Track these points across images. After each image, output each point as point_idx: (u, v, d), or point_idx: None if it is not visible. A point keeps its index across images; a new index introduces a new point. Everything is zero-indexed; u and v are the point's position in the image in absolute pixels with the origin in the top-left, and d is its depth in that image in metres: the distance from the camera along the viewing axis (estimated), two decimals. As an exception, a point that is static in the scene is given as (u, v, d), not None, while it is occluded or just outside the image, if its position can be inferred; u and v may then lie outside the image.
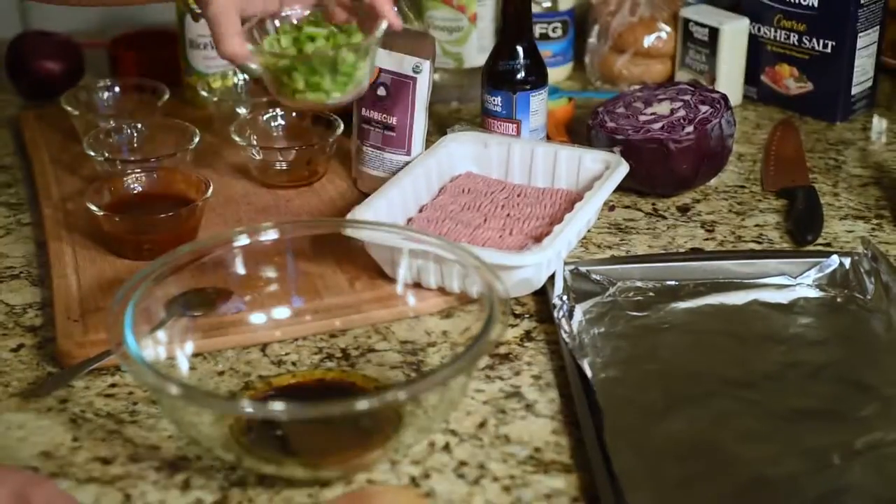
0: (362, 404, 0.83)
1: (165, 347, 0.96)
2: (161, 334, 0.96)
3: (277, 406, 0.85)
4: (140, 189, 1.21)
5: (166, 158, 1.26)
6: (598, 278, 1.11)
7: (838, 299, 1.10)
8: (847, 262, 1.12)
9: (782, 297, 1.10)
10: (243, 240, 1.03)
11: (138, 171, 1.22)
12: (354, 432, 0.90)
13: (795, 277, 1.12)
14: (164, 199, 1.19)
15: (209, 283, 1.02)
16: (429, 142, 1.29)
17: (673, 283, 1.12)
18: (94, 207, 1.15)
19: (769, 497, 0.87)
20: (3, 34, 1.65)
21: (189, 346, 0.99)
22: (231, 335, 1.04)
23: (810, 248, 1.21)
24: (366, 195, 1.17)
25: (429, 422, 0.91)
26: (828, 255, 1.13)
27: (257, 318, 1.05)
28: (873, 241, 1.12)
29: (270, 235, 1.04)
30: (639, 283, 1.12)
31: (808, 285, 1.12)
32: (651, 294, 1.11)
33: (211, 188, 1.19)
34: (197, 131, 1.30)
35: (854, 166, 1.39)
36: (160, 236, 1.14)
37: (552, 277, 1.10)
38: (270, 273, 1.05)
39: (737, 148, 1.41)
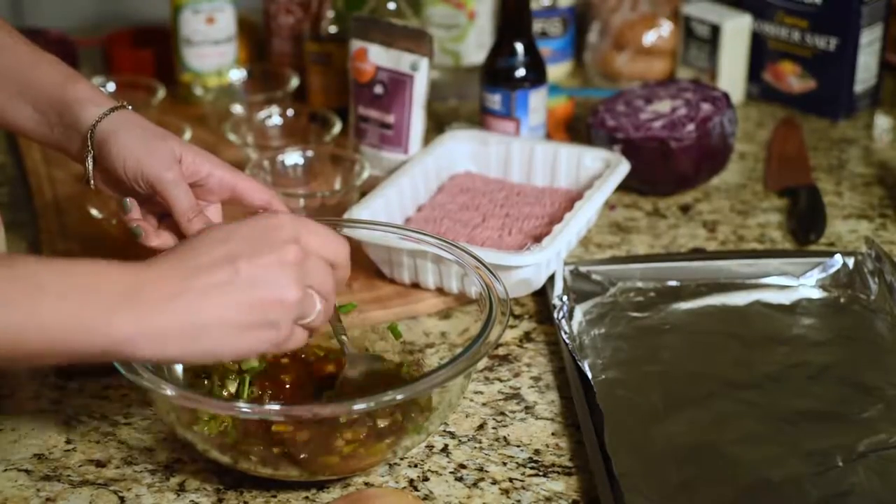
0: (360, 406, 0.83)
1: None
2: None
3: (273, 407, 0.84)
4: None
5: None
6: (598, 279, 1.10)
7: (841, 299, 1.09)
8: (850, 261, 1.11)
9: (785, 298, 1.09)
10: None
11: None
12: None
13: (798, 277, 1.11)
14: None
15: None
16: (427, 140, 1.28)
17: (674, 283, 1.11)
18: (95, 212, 1.14)
19: (771, 500, 0.87)
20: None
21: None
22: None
23: (813, 247, 1.20)
24: (363, 194, 1.16)
25: (427, 423, 0.90)
26: (831, 254, 1.12)
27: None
28: (877, 241, 1.11)
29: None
30: (639, 284, 1.11)
31: (811, 286, 1.11)
32: (652, 294, 1.10)
33: None
34: (188, 127, 1.29)
35: (857, 165, 1.38)
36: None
37: (552, 278, 1.09)
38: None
39: (738, 146, 1.40)
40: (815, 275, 1.11)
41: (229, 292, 0.78)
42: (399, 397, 0.84)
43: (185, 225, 0.94)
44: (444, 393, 0.89)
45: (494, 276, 0.95)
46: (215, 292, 0.78)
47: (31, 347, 0.74)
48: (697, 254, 1.18)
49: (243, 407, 0.85)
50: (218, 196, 0.99)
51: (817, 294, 1.10)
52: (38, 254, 1.17)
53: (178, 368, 0.96)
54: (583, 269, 1.11)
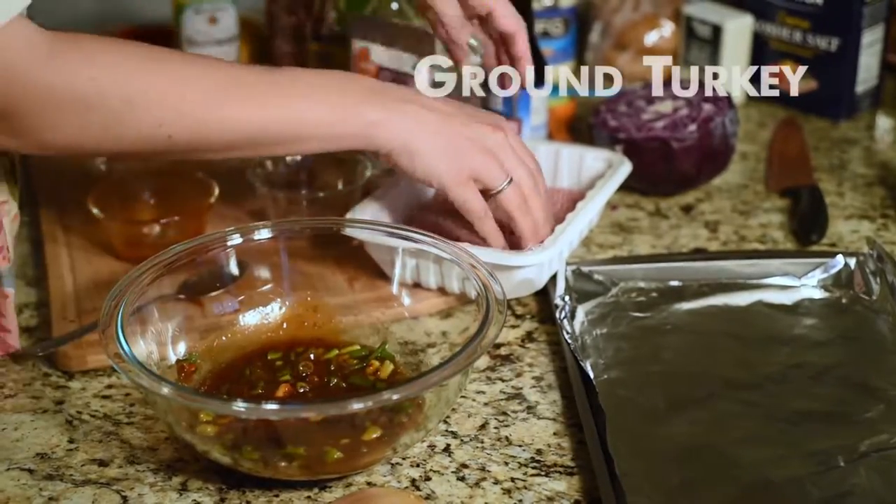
0: (357, 405, 0.83)
1: (158, 348, 0.95)
2: (153, 334, 0.95)
3: (271, 406, 0.84)
4: (144, 192, 1.20)
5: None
6: (600, 279, 1.10)
7: (843, 300, 1.09)
8: (852, 262, 1.11)
9: (786, 298, 1.09)
10: (239, 239, 1.02)
11: (142, 173, 1.21)
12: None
13: (800, 278, 1.11)
14: (168, 202, 1.18)
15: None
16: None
17: (676, 283, 1.11)
18: (96, 211, 1.14)
19: (772, 500, 0.87)
20: None
21: (182, 347, 0.97)
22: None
23: (815, 248, 1.20)
24: (365, 195, 1.16)
25: (425, 421, 0.90)
26: (832, 255, 1.12)
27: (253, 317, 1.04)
28: (879, 241, 1.11)
29: (268, 235, 1.03)
30: (641, 284, 1.11)
31: (813, 286, 1.11)
32: (654, 295, 1.10)
33: (216, 191, 1.18)
34: None
35: (859, 165, 1.38)
36: (165, 240, 1.13)
37: (554, 278, 1.09)
38: (267, 273, 1.04)
39: (740, 147, 1.40)
40: (817, 275, 1.11)
41: (444, 116, 1.01)
42: (395, 397, 0.84)
43: (453, 32, 1.10)
44: (441, 391, 0.89)
45: (492, 276, 0.95)
46: (436, 110, 1.01)
47: (303, 132, 0.98)
48: (699, 254, 1.18)
49: (242, 406, 0.85)
50: (474, 11, 1.11)
51: (819, 294, 1.10)
52: (43, 256, 1.18)
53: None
54: (585, 269, 1.11)
